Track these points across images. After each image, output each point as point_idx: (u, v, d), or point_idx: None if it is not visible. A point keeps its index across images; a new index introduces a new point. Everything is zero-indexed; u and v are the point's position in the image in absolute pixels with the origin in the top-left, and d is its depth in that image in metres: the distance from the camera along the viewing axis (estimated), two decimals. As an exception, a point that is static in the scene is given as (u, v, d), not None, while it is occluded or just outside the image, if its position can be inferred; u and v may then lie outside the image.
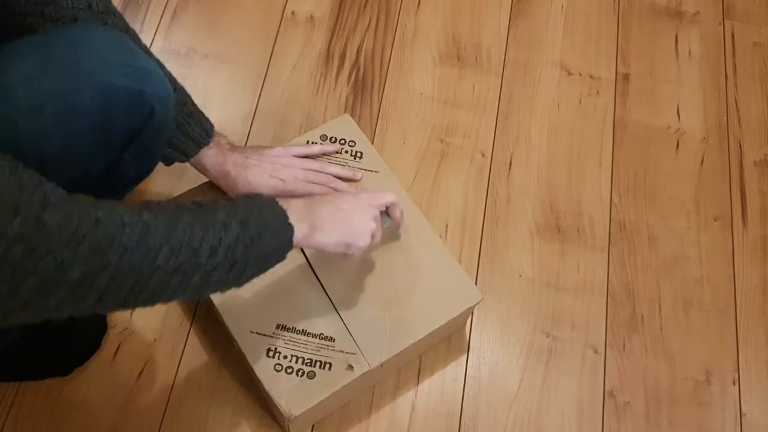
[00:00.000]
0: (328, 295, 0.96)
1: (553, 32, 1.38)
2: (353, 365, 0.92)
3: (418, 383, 1.05)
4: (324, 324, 0.94)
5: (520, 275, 1.14)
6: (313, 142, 1.06)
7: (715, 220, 1.22)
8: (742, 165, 1.27)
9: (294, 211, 0.75)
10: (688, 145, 1.28)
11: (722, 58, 1.38)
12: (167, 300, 0.63)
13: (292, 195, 0.96)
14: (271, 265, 0.73)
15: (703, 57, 1.37)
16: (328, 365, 0.92)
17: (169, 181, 1.10)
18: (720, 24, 1.41)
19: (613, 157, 1.26)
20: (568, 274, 1.15)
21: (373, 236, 0.86)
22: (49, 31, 0.72)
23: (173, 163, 0.92)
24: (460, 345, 1.09)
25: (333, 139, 1.07)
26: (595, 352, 1.10)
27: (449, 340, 1.08)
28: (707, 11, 1.42)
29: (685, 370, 1.09)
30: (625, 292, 1.14)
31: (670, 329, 1.12)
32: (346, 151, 1.06)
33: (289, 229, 0.74)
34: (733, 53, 1.38)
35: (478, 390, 1.06)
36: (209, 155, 0.93)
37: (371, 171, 1.05)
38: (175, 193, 1.02)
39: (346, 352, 0.92)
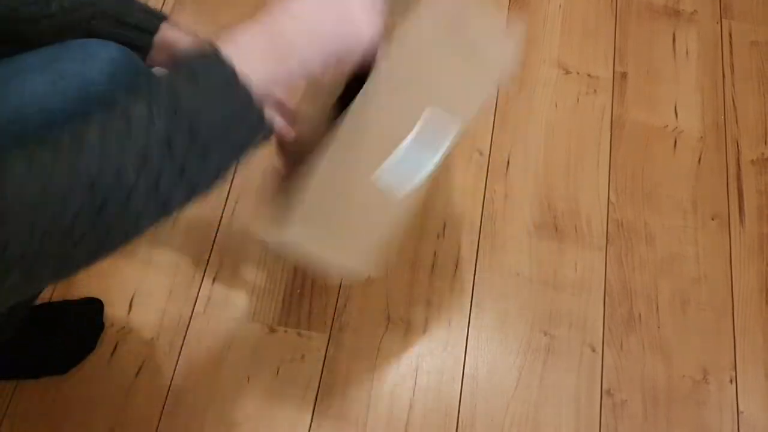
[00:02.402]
0: None
1: (550, 31, 1.38)
2: None
3: (416, 382, 1.06)
4: None
5: (518, 274, 1.14)
6: None
7: (713, 219, 1.22)
8: (739, 164, 1.27)
9: (243, 49, 0.57)
10: (685, 144, 1.28)
11: (719, 57, 1.38)
12: (135, 227, 0.53)
13: None
14: (250, 141, 0.58)
15: (700, 56, 1.37)
16: None
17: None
18: (717, 23, 1.41)
19: (610, 156, 1.26)
20: (565, 272, 1.15)
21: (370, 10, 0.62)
22: (61, 45, 0.72)
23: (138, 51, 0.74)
24: (458, 344, 1.09)
25: None
26: (593, 350, 1.10)
27: (447, 341, 1.09)
28: (705, 10, 1.42)
29: (682, 368, 1.10)
30: (622, 291, 1.15)
31: (667, 328, 1.12)
32: None
33: (242, 84, 0.56)
34: (731, 52, 1.38)
35: (475, 388, 1.06)
36: (165, 40, 0.74)
37: None
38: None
39: None
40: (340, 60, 0.61)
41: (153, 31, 0.77)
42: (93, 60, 0.67)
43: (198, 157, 0.55)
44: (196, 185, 0.56)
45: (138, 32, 0.76)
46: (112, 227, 0.53)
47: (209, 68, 0.56)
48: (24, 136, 0.63)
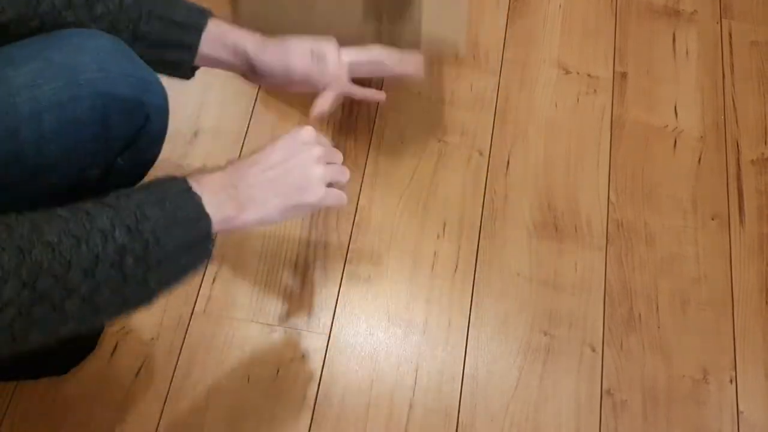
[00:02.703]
0: None
1: (550, 31, 1.38)
2: None
3: (416, 382, 1.06)
4: None
5: (518, 274, 1.14)
6: None
7: (713, 219, 1.22)
8: (739, 164, 1.27)
9: (209, 190, 0.63)
10: (685, 143, 1.28)
11: (719, 57, 1.38)
12: (45, 335, 0.54)
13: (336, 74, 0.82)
14: (192, 269, 0.63)
15: (700, 56, 1.38)
16: None
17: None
18: (717, 23, 1.42)
19: (610, 156, 1.26)
20: (565, 272, 1.15)
21: (325, 182, 0.71)
22: (50, 35, 0.71)
23: (186, 71, 0.79)
24: (458, 344, 1.09)
25: None
26: (593, 350, 1.10)
27: (447, 341, 1.09)
28: (704, 10, 1.42)
29: (682, 368, 1.10)
30: (622, 291, 1.15)
31: (667, 328, 1.12)
32: None
33: (204, 220, 0.62)
34: (731, 52, 1.38)
35: (475, 388, 1.06)
36: (213, 36, 0.77)
37: None
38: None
39: None
40: (292, 213, 0.70)
41: (200, 28, 0.78)
42: (82, 49, 0.66)
43: (141, 279, 0.57)
44: (129, 301, 0.58)
45: (185, 30, 0.77)
46: (38, 323, 0.52)
47: (178, 196, 0.61)
48: (16, 128, 0.62)
